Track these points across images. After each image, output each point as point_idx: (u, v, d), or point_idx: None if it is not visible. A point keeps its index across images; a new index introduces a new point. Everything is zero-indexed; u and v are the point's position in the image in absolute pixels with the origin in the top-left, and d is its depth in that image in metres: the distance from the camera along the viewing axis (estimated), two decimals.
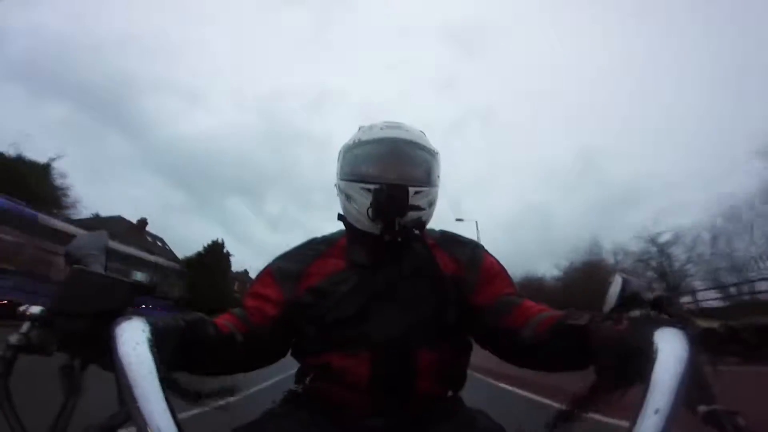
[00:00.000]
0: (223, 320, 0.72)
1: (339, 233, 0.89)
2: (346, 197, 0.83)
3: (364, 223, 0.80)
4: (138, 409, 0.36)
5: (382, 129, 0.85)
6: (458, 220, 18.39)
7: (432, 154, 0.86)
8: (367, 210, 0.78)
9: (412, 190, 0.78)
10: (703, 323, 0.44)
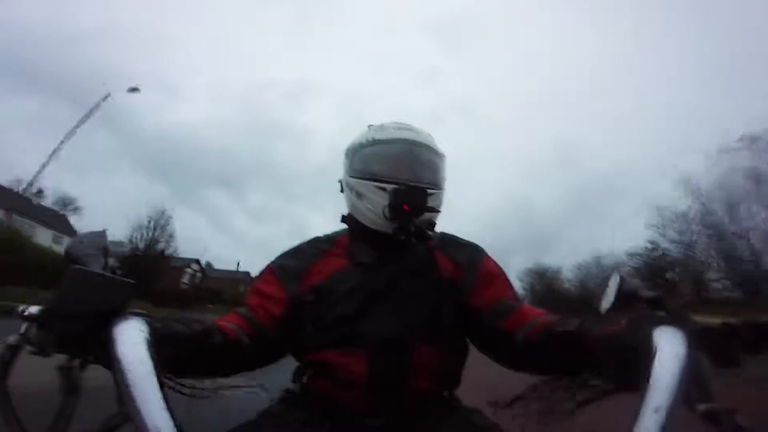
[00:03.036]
0: (228, 322, 0.72)
1: (341, 232, 0.89)
2: (357, 195, 0.83)
3: (376, 222, 0.81)
4: (136, 410, 0.36)
5: (394, 129, 0.86)
6: None
7: (441, 157, 0.87)
8: (383, 209, 0.78)
9: (428, 192, 0.79)
10: (703, 321, 0.44)
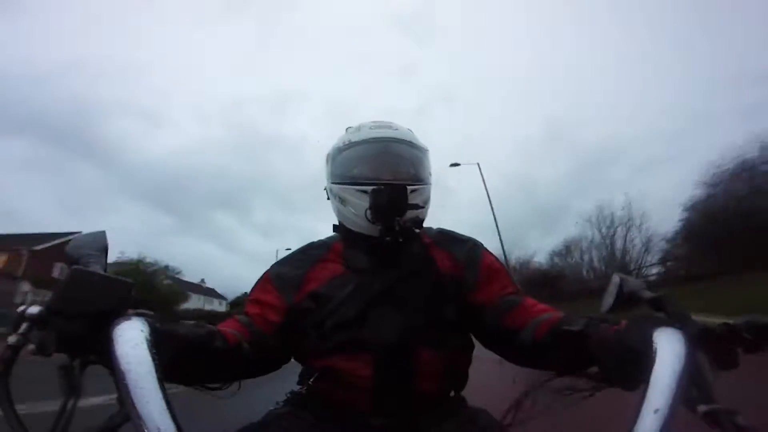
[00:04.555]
0: (229, 328, 0.72)
1: (335, 237, 0.89)
2: (341, 201, 0.82)
3: (362, 226, 0.80)
4: (137, 410, 0.36)
5: (371, 129, 0.85)
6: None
7: (422, 151, 0.86)
8: (366, 212, 0.77)
9: (409, 188, 0.78)
10: (702, 322, 0.44)
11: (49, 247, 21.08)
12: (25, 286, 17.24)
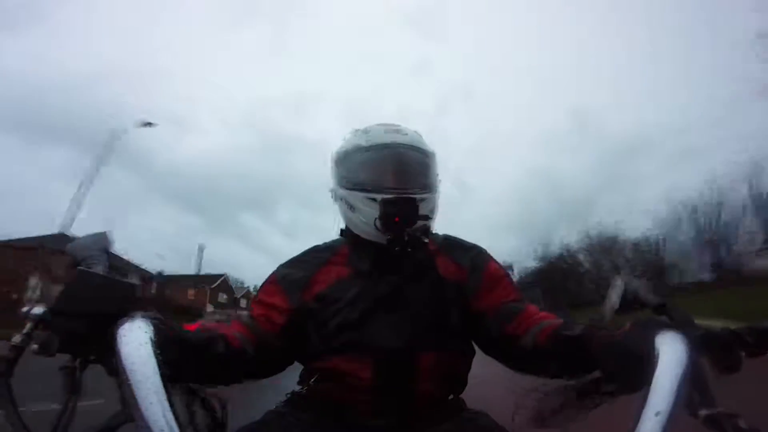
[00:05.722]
0: (233, 331, 0.72)
1: (341, 240, 0.88)
2: (349, 206, 0.81)
3: (370, 233, 0.79)
4: (140, 410, 0.36)
5: (380, 133, 0.83)
6: None
7: (430, 156, 0.85)
8: (375, 221, 0.76)
9: (418, 198, 0.77)
10: (706, 326, 0.44)
11: (219, 284, 35.82)
12: (209, 308, 28.39)
